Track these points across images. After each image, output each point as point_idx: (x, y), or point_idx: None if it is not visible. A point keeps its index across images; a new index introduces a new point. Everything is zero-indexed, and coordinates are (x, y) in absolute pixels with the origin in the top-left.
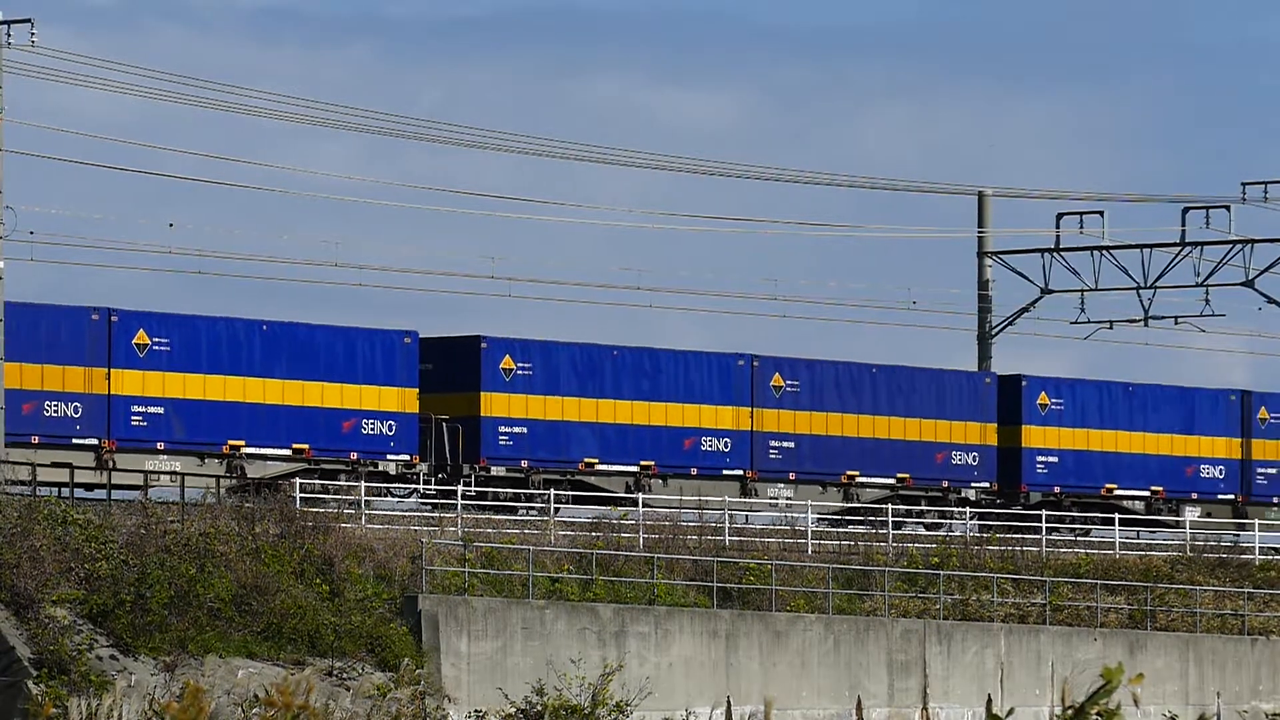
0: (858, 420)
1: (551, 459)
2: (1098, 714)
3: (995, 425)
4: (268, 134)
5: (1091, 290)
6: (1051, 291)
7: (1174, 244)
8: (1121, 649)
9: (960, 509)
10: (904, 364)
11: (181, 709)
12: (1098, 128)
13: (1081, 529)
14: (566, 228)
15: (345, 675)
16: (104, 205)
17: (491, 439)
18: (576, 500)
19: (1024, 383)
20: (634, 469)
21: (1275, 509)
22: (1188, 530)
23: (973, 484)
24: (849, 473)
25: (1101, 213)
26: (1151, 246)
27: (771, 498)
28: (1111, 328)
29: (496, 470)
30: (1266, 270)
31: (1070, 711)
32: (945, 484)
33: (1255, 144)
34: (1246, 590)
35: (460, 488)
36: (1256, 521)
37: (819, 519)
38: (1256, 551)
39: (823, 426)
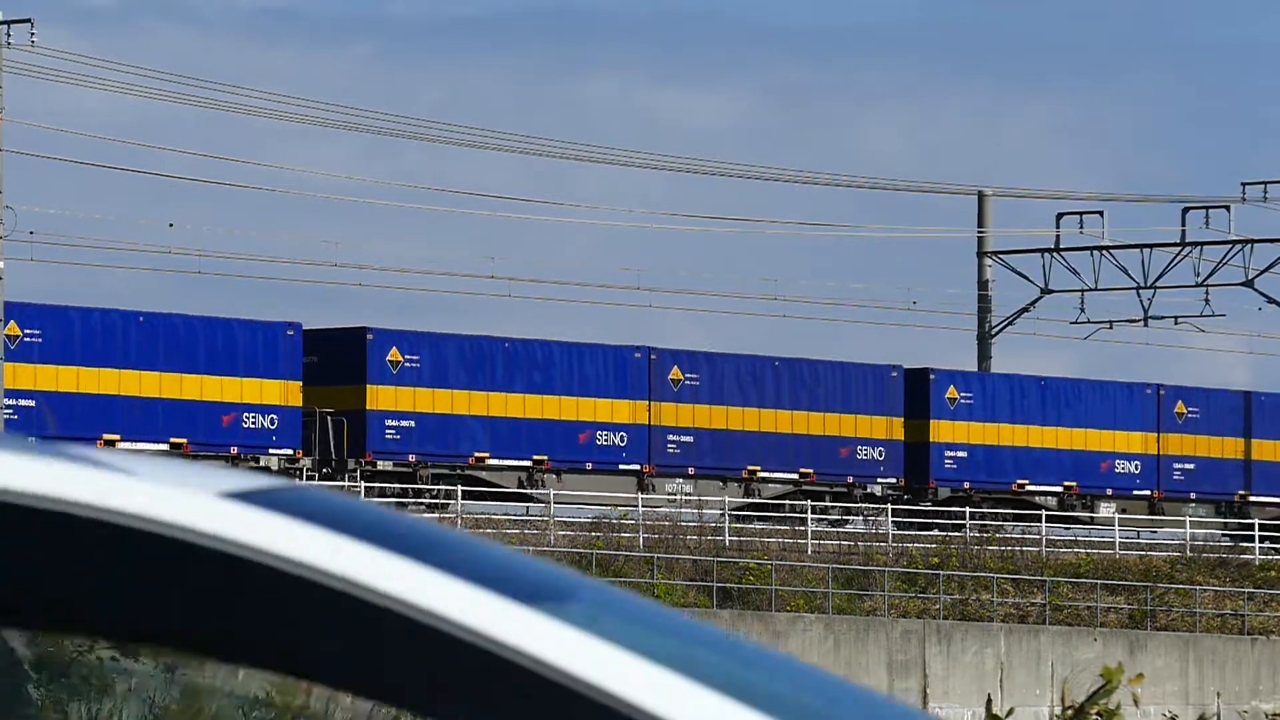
0: (759, 414)
1: (440, 453)
2: (1098, 714)
3: (902, 419)
4: (268, 134)
5: (1091, 290)
6: (1051, 291)
7: (1174, 244)
8: (1121, 649)
9: (869, 505)
10: (809, 357)
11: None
12: (1098, 128)
13: (992, 525)
14: (566, 228)
15: None
16: (104, 205)
17: (378, 433)
18: (469, 496)
19: (932, 376)
20: (526, 463)
21: (1193, 505)
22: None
23: (879, 479)
24: (750, 468)
25: (1101, 213)
26: (1151, 246)
27: (670, 493)
28: (1111, 328)
29: (383, 465)
30: (1266, 270)
31: (1070, 711)
32: (850, 479)
33: (1255, 144)
34: (1246, 590)
35: (345, 483)
36: (1256, 522)
37: (722, 515)
38: (1256, 551)
39: (723, 420)
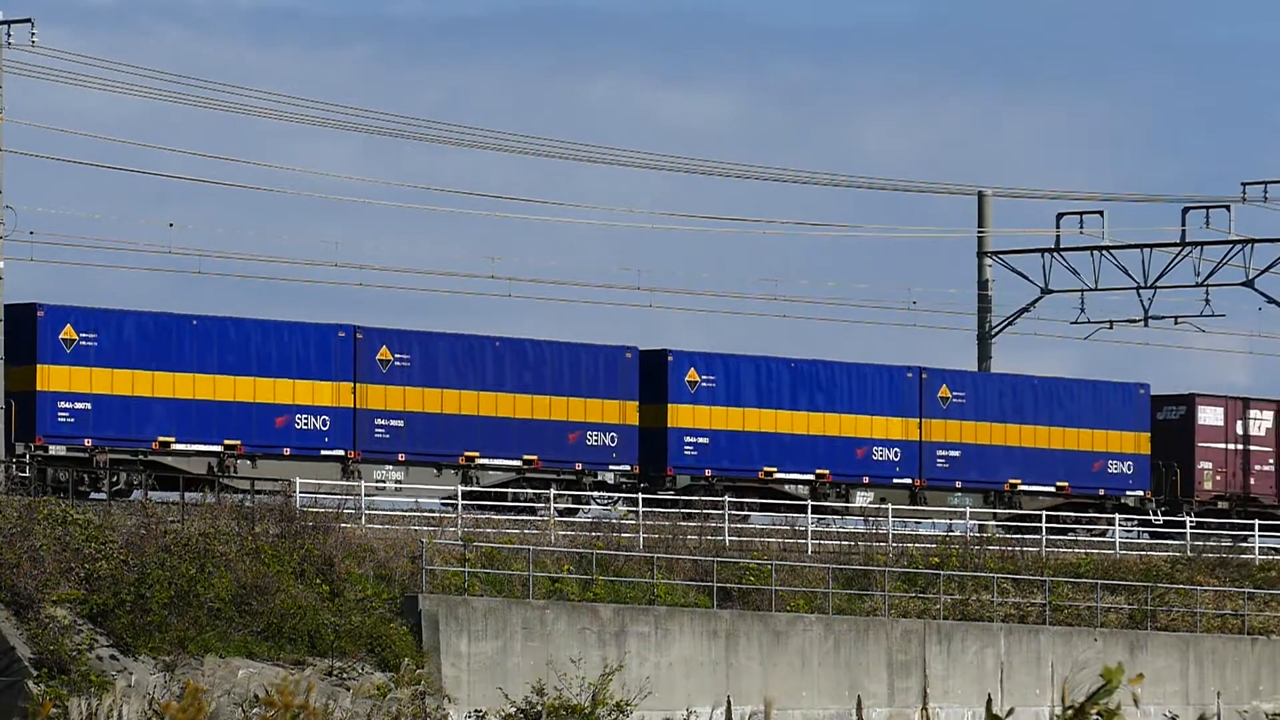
0: (478, 397)
1: (120, 438)
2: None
3: (637, 404)
4: (268, 134)
5: (1091, 290)
6: (1051, 291)
7: (1174, 244)
8: (1121, 649)
9: (604, 494)
10: (534, 337)
11: (181, 709)
12: (1098, 128)
13: (739, 515)
14: (566, 228)
15: (345, 675)
16: (104, 205)
17: (49, 416)
18: (160, 485)
19: (670, 358)
20: (217, 448)
21: (958, 494)
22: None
23: (611, 466)
24: (468, 454)
25: (1101, 213)
26: (1151, 246)
27: (378, 480)
28: (1111, 328)
29: (56, 449)
30: (1266, 270)
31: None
32: (579, 466)
33: (1255, 144)
34: (1246, 590)
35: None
36: (1256, 522)
37: (443, 503)
38: (1256, 551)
39: (437, 404)
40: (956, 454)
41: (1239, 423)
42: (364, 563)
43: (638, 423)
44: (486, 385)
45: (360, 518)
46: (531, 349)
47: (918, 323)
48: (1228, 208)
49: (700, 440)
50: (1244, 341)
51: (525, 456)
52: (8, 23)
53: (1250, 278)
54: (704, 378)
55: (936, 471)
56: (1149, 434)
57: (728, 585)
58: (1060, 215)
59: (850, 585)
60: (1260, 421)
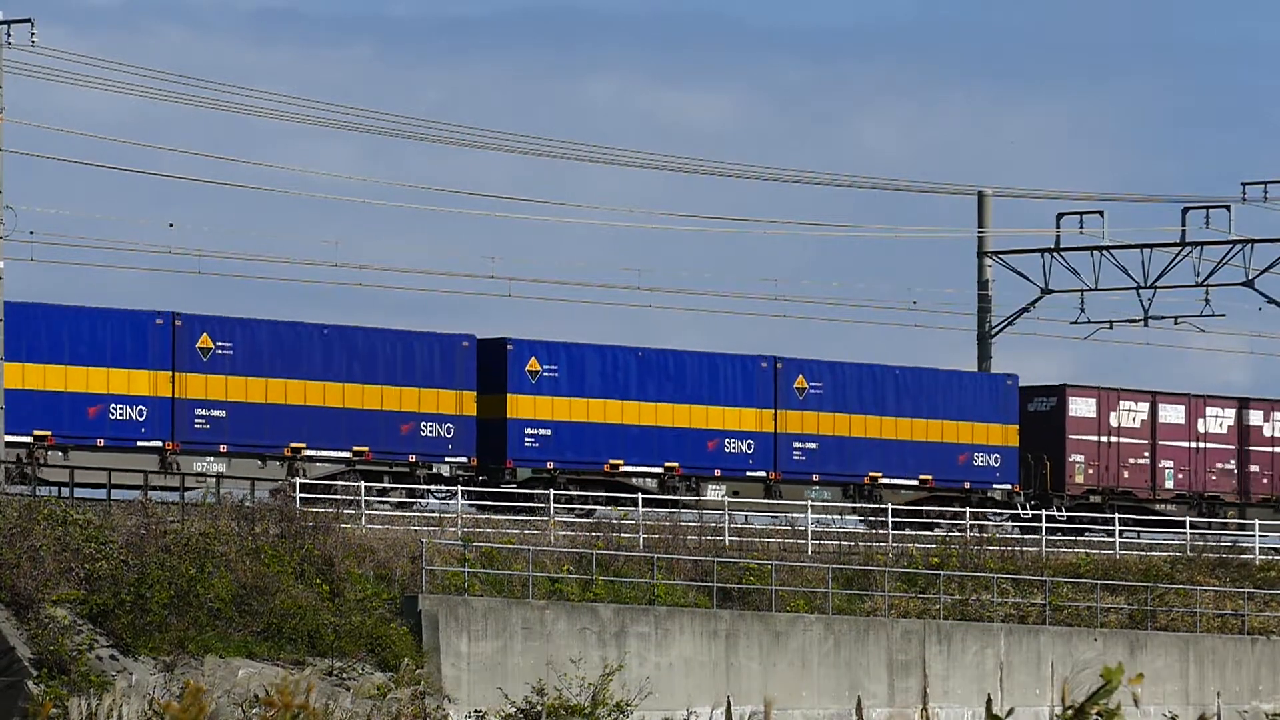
0: (304, 386)
1: None
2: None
3: (475, 394)
4: (268, 134)
5: (1091, 290)
6: (1051, 291)
7: (1174, 244)
8: (1121, 649)
9: (438, 488)
10: (366, 325)
11: (181, 709)
12: (1098, 128)
13: (584, 509)
14: (566, 228)
15: (345, 675)
16: (104, 205)
17: None
18: None
19: (509, 346)
20: (26, 440)
21: (815, 488)
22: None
23: (447, 458)
24: (293, 445)
25: (1101, 213)
26: (1151, 246)
27: (199, 473)
28: (1111, 328)
29: None
30: (1266, 270)
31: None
32: (412, 458)
33: (1255, 144)
34: (1246, 590)
35: None
36: (1256, 522)
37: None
38: (1256, 551)
39: (261, 394)
40: (814, 446)
41: (1112, 414)
42: (364, 563)
43: (475, 414)
44: (314, 374)
45: (360, 518)
46: (362, 337)
47: (918, 323)
48: (1228, 208)
49: (542, 432)
50: (1244, 341)
51: (355, 448)
52: (8, 23)
53: (1250, 278)
54: (546, 367)
55: (793, 464)
56: (1017, 426)
57: (728, 585)
58: (1060, 215)
59: (850, 585)
60: (1135, 413)
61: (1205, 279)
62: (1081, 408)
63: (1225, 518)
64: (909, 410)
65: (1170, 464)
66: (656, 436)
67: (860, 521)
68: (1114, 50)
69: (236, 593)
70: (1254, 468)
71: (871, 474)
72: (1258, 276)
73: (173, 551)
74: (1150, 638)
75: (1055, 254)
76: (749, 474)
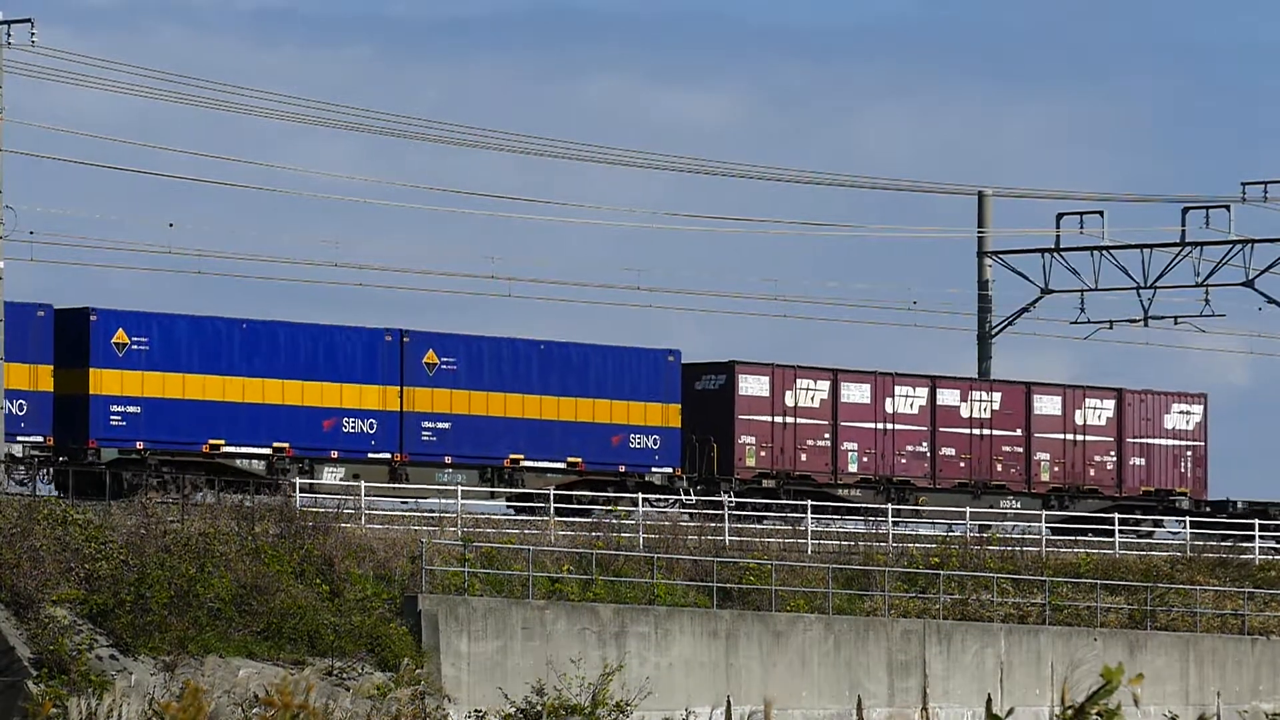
0: None
1: None
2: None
3: (51, 368)
4: (268, 134)
5: (1091, 290)
6: (1051, 291)
7: (1174, 244)
8: (1121, 649)
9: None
10: None
11: (181, 709)
12: (1098, 128)
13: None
14: (566, 228)
15: (345, 675)
16: (104, 205)
17: None
18: None
19: (94, 317)
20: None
21: (449, 471)
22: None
23: (20, 438)
24: None
25: (1101, 213)
26: (1151, 246)
27: None
28: (1111, 328)
29: None
30: (1266, 270)
31: (1070, 711)
32: None
33: (1255, 144)
34: (1246, 590)
35: None
36: (1256, 522)
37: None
38: (1256, 551)
39: None
40: (446, 426)
41: (788, 393)
42: (364, 563)
43: (53, 389)
44: None
45: (360, 518)
46: None
47: (918, 323)
48: (1228, 208)
49: (130, 409)
50: (1244, 341)
51: None
52: (8, 23)
53: (1250, 278)
54: (135, 340)
55: (422, 445)
56: (679, 405)
57: (728, 585)
58: (1060, 215)
59: (850, 585)
60: (814, 392)
61: (1205, 279)
62: (753, 386)
63: (916, 503)
64: (556, 388)
65: (854, 446)
66: (265, 415)
67: (509, 508)
68: (1114, 50)
69: (236, 593)
70: (948, 450)
71: (513, 456)
72: (1258, 276)
73: (173, 551)
74: (1150, 638)
75: (1055, 254)
76: (371, 455)
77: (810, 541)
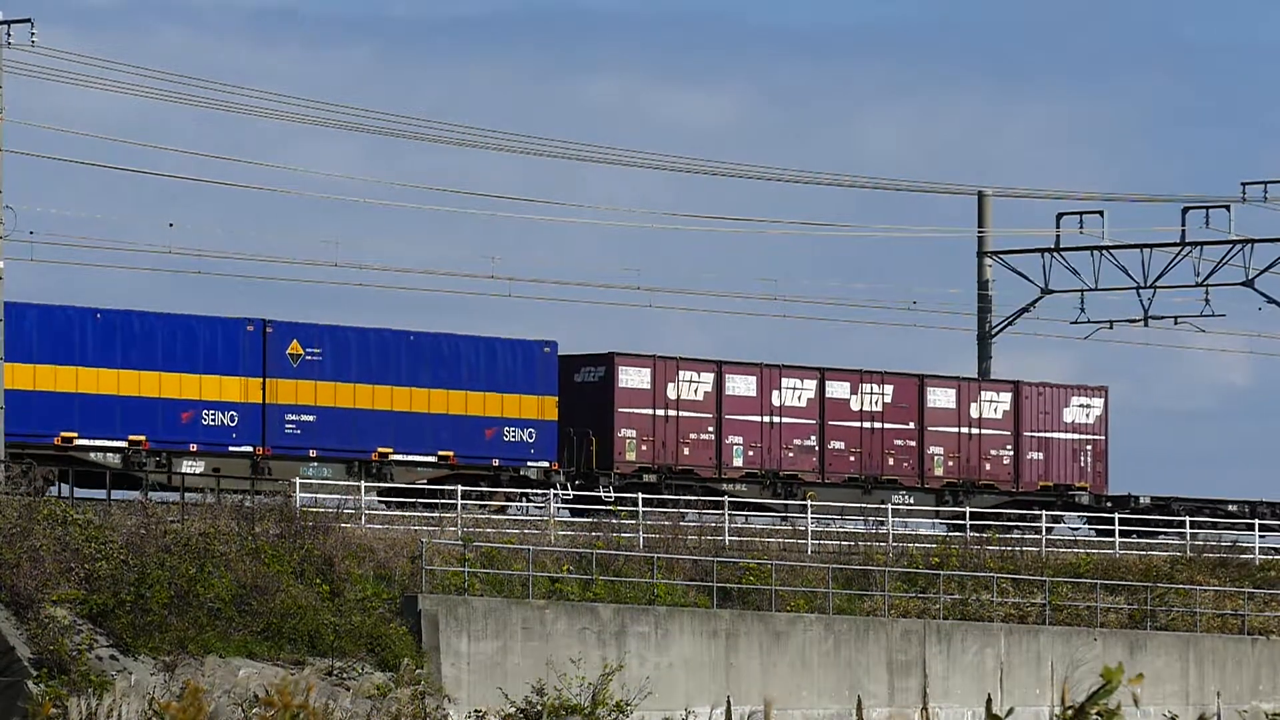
0: None
1: None
2: (1098, 714)
3: None
4: (268, 134)
5: (1091, 290)
6: (1051, 291)
7: (1174, 244)
8: (1121, 649)
9: None
10: None
11: (181, 709)
12: (1098, 128)
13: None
14: (566, 228)
15: (345, 675)
16: (104, 205)
17: None
18: None
19: None
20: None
21: (314, 464)
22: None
23: None
24: None
25: (1101, 213)
26: (1151, 246)
27: None
28: (1111, 328)
29: None
30: (1266, 270)
31: (1070, 711)
32: None
33: (1255, 144)
34: (1247, 590)
35: None
36: (1256, 522)
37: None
38: (1256, 551)
39: None
40: (311, 418)
41: (670, 386)
42: (364, 563)
43: None
44: None
45: (360, 518)
46: None
47: (918, 323)
48: (1228, 208)
49: None
50: (1244, 341)
51: None
52: (8, 23)
53: (1250, 278)
54: None
55: (285, 438)
56: (556, 398)
57: (728, 585)
58: (1060, 215)
59: (850, 585)
60: (697, 385)
61: (1205, 279)
62: (633, 378)
63: (803, 498)
64: (426, 380)
65: (739, 440)
66: (120, 407)
67: (381, 502)
68: (1115, 50)
69: (236, 593)
70: (837, 444)
71: (381, 449)
72: (1258, 276)
73: (173, 551)
74: (1150, 638)
75: (1055, 254)
76: (232, 449)
77: (810, 541)
